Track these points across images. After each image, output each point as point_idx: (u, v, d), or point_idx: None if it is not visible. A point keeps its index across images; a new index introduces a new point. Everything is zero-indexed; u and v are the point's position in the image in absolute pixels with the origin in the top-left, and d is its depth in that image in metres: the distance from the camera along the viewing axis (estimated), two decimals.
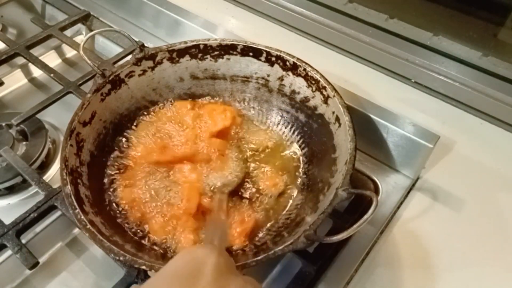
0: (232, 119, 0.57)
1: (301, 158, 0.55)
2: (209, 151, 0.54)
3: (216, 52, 0.57)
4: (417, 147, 0.54)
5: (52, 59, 0.77)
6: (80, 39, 0.79)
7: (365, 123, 0.56)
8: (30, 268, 0.47)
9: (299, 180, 0.53)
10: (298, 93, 0.56)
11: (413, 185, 0.55)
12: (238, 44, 0.56)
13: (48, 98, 0.63)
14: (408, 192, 0.55)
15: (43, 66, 0.69)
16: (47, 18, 0.86)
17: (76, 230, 0.54)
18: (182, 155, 0.53)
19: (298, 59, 0.54)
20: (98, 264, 0.52)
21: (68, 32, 0.77)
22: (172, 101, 0.59)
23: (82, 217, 0.42)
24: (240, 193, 0.52)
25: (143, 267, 0.39)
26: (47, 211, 0.52)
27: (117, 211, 0.49)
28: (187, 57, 0.57)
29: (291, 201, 0.51)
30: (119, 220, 0.49)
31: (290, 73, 0.55)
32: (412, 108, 0.59)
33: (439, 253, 0.49)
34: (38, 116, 0.63)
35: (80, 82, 0.66)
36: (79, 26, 0.81)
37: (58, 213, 0.53)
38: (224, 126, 0.56)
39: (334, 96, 0.50)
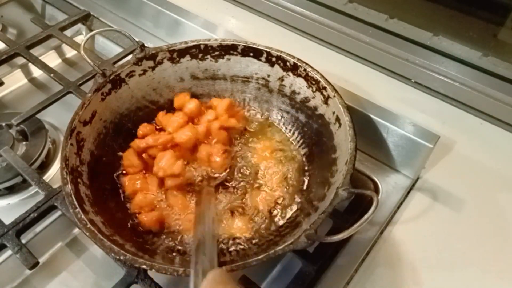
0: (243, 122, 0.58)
1: (301, 158, 0.55)
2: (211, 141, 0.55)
3: (217, 52, 0.57)
4: (417, 147, 0.54)
5: (52, 59, 0.77)
6: (80, 39, 0.79)
7: (365, 123, 0.56)
8: (30, 268, 0.47)
9: (300, 180, 0.53)
10: (299, 93, 0.56)
11: (413, 185, 0.55)
12: (239, 45, 0.56)
13: (48, 98, 0.63)
14: (408, 192, 0.55)
15: (43, 66, 0.69)
16: (47, 18, 0.86)
17: (76, 230, 0.54)
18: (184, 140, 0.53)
19: (298, 59, 0.54)
20: (98, 264, 0.52)
21: (68, 32, 0.77)
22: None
23: (82, 216, 0.42)
24: (241, 193, 0.52)
25: (143, 266, 0.39)
26: (47, 211, 0.52)
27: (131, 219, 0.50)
28: (188, 57, 0.57)
29: (291, 201, 0.51)
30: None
31: (290, 73, 0.55)
32: (412, 108, 0.59)
33: (439, 253, 0.49)
34: (38, 116, 0.63)
35: (80, 82, 0.66)
36: (79, 26, 0.81)
37: (58, 213, 0.53)
38: (233, 125, 0.56)
39: (334, 96, 0.50)
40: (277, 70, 0.56)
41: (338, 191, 0.41)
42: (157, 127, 0.57)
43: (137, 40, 0.57)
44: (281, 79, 0.56)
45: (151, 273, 0.46)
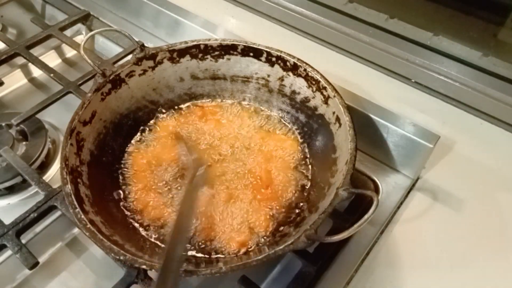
0: None
1: (301, 158, 0.55)
2: None
3: (217, 52, 0.57)
4: (417, 147, 0.54)
5: (52, 59, 0.77)
6: (80, 39, 0.79)
7: (365, 123, 0.56)
8: (30, 268, 0.47)
9: (300, 180, 0.53)
10: (299, 93, 0.56)
11: (413, 185, 0.55)
12: (239, 44, 0.56)
13: (48, 98, 0.63)
14: (408, 192, 0.55)
15: (43, 66, 0.69)
16: (47, 18, 0.86)
17: (76, 230, 0.54)
18: None
19: (298, 59, 0.54)
20: (98, 264, 0.52)
21: (68, 32, 0.77)
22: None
23: (82, 216, 0.42)
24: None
25: (143, 266, 0.39)
26: (47, 211, 0.52)
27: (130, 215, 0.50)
28: (188, 57, 0.57)
29: (291, 201, 0.51)
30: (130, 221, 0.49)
31: (290, 73, 0.55)
32: (412, 108, 0.59)
33: (439, 253, 0.49)
34: (38, 116, 0.63)
35: (80, 82, 0.65)
36: (79, 26, 0.81)
37: (58, 213, 0.53)
38: None
39: (334, 96, 0.50)
40: (277, 70, 0.56)
41: (338, 191, 0.41)
42: None
43: (137, 40, 0.57)
44: (281, 79, 0.56)
45: (151, 273, 0.46)
